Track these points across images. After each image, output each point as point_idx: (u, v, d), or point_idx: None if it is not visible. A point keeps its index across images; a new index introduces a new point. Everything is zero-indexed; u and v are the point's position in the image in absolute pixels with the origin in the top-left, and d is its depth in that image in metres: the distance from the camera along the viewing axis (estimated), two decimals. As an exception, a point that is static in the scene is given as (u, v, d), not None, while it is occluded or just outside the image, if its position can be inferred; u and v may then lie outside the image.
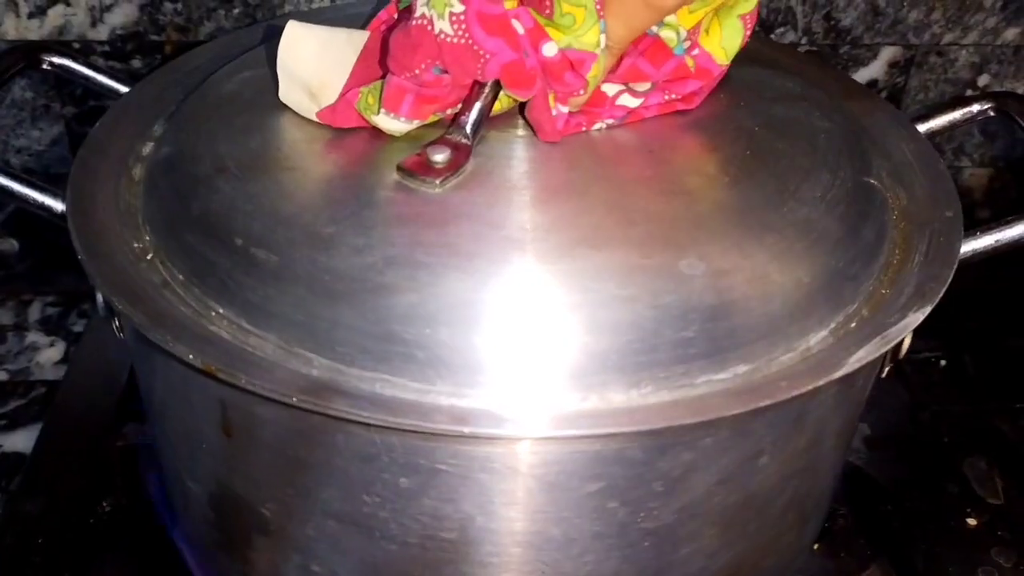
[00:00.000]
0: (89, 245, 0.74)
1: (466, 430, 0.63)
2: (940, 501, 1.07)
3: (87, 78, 0.97)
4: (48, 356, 1.28)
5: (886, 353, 0.80)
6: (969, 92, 1.42)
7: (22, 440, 1.14)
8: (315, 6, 1.26)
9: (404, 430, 0.64)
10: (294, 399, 0.63)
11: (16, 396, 1.22)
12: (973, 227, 0.83)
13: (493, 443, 0.67)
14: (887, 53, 1.38)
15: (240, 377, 0.64)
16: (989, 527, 1.05)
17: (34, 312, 1.34)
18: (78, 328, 1.31)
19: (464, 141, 0.74)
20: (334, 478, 0.70)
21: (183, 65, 0.97)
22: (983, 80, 1.41)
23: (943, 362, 1.24)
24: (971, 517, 1.06)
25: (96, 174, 0.82)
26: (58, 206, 0.80)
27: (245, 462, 0.75)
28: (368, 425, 0.65)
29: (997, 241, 0.82)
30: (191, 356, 0.65)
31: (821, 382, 0.68)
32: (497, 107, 0.76)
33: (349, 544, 0.73)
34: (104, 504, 1.01)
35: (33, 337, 1.31)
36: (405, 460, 0.67)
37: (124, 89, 0.96)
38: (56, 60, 0.95)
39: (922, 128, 0.96)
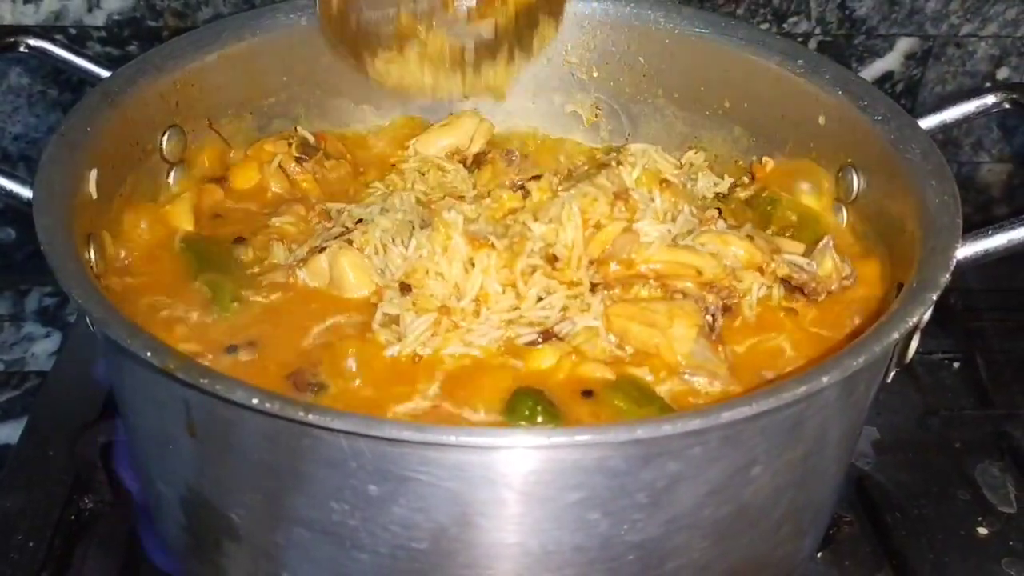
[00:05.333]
0: (52, 235, 0.72)
1: (434, 438, 0.60)
2: (950, 509, 1.04)
3: (66, 61, 0.95)
4: (43, 347, 1.27)
5: (890, 358, 0.78)
6: (988, 85, 1.38)
7: (13, 432, 1.11)
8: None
9: (370, 436, 0.61)
10: (254, 400, 0.60)
11: (9, 387, 1.21)
12: (989, 224, 0.80)
13: (466, 450, 0.63)
14: (903, 44, 1.35)
15: (198, 376, 0.61)
16: (1001, 536, 1.01)
17: (31, 302, 1.33)
18: (74, 319, 1.28)
19: None
20: (301, 483, 0.67)
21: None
22: (1002, 73, 1.38)
23: (955, 364, 1.19)
24: (982, 526, 1.02)
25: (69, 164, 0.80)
26: (26, 193, 0.77)
27: (212, 464, 0.72)
28: (334, 429, 0.62)
29: (1010, 241, 0.79)
30: (148, 355, 0.62)
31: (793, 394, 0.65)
32: None
33: (319, 553, 0.70)
34: (86, 501, 0.99)
35: (29, 328, 1.29)
36: (374, 466, 0.64)
37: (105, 73, 0.94)
38: (33, 43, 0.92)
39: (936, 121, 0.93)
